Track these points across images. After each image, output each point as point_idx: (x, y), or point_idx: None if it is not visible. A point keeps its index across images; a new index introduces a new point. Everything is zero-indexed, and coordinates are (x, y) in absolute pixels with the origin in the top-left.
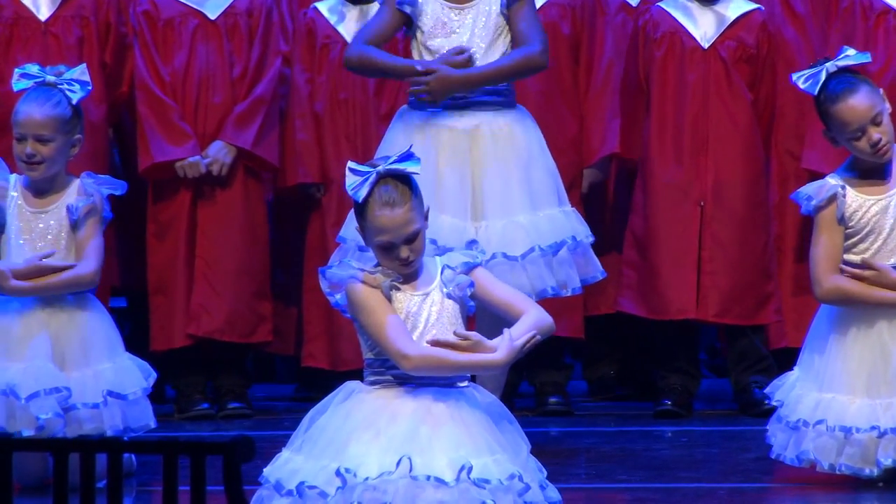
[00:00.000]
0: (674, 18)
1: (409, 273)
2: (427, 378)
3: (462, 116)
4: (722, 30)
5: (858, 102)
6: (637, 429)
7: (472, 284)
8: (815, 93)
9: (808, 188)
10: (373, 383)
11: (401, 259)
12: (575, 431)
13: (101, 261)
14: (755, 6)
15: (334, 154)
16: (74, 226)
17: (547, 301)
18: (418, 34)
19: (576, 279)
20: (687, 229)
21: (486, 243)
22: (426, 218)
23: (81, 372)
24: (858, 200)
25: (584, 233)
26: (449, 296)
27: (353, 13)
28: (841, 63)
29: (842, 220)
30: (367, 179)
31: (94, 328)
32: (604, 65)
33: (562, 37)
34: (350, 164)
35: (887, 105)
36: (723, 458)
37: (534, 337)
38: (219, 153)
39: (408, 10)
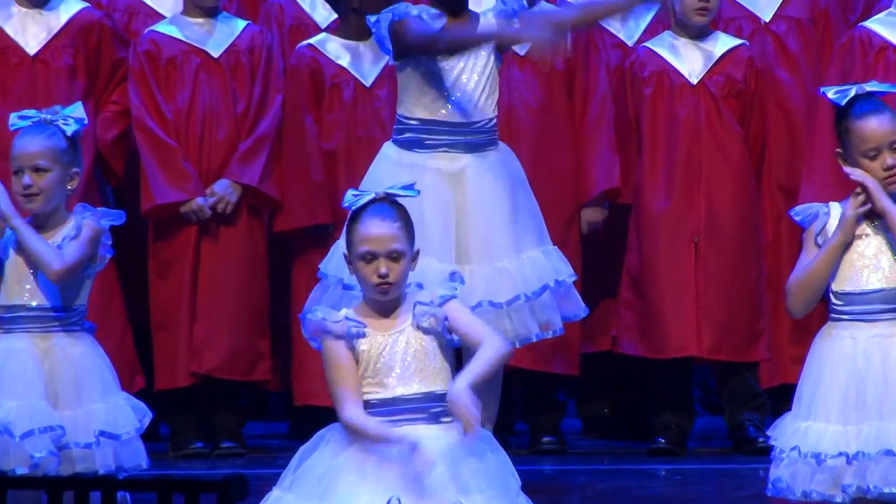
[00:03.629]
0: (661, 57)
1: (384, 301)
2: (411, 416)
3: (446, 159)
4: (709, 66)
5: (882, 123)
6: (631, 467)
7: (446, 318)
8: (842, 104)
9: (800, 206)
10: None
11: (380, 274)
12: (569, 469)
13: (71, 267)
14: (741, 42)
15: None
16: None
17: (541, 339)
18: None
19: (558, 320)
20: (683, 266)
21: (471, 289)
22: (414, 259)
23: (74, 411)
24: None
25: (566, 272)
26: (425, 330)
27: (359, 49)
28: (870, 88)
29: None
30: (365, 195)
31: (87, 367)
32: (598, 99)
33: (556, 73)
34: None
35: None
36: (717, 496)
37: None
38: (225, 191)
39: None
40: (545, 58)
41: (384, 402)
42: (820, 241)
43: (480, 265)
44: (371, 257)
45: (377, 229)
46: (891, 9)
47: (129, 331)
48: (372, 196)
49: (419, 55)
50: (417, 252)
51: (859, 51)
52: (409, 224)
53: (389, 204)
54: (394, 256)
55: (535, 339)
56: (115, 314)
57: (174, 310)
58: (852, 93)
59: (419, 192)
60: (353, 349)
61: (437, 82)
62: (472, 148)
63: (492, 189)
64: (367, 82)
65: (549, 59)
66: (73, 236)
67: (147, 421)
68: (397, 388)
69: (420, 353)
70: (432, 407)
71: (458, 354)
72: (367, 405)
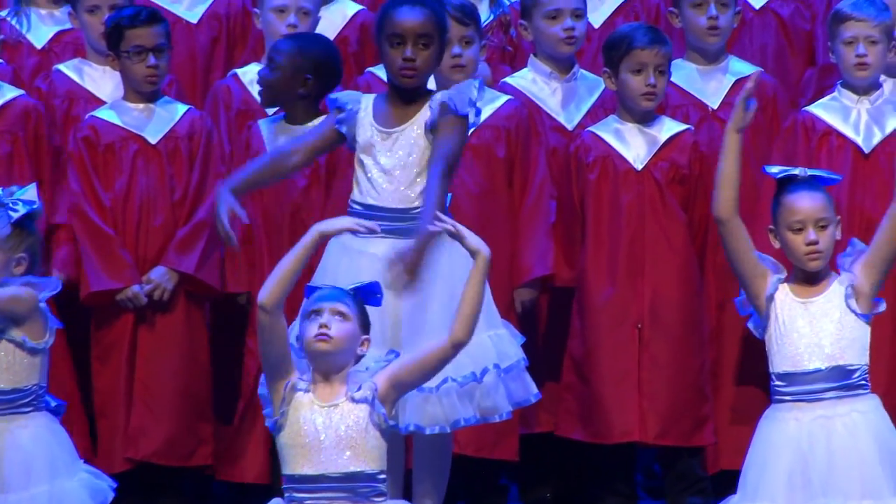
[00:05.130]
0: (605, 142)
1: (320, 349)
2: (337, 494)
3: (383, 245)
4: (654, 151)
5: (814, 200)
6: None
7: (376, 388)
8: (780, 178)
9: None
10: (289, 500)
11: (321, 324)
12: None
13: None
14: (685, 127)
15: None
16: None
17: (483, 424)
18: (356, 146)
19: (505, 405)
20: (626, 352)
21: None
22: (363, 344)
23: (19, 495)
24: (787, 298)
25: (515, 355)
26: (359, 400)
27: (296, 131)
28: (812, 172)
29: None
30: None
31: (34, 450)
32: (536, 185)
33: (496, 160)
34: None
35: (838, 228)
36: None
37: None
38: (161, 278)
39: (343, 129)
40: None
41: (310, 479)
42: (752, 322)
43: (409, 349)
44: (315, 312)
45: (326, 292)
46: (834, 93)
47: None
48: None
49: None
50: (367, 340)
51: (802, 135)
52: (363, 310)
53: (347, 290)
54: (338, 314)
55: (465, 424)
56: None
57: (113, 396)
58: (795, 172)
59: (379, 302)
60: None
61: (372, 165)
62: (410, 234)
63: (429, 271)
64: None
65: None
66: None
67: (109, 499)
68: (326, 464)
69: (351, 428)
70: (360, 487)
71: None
72: (292, 479)
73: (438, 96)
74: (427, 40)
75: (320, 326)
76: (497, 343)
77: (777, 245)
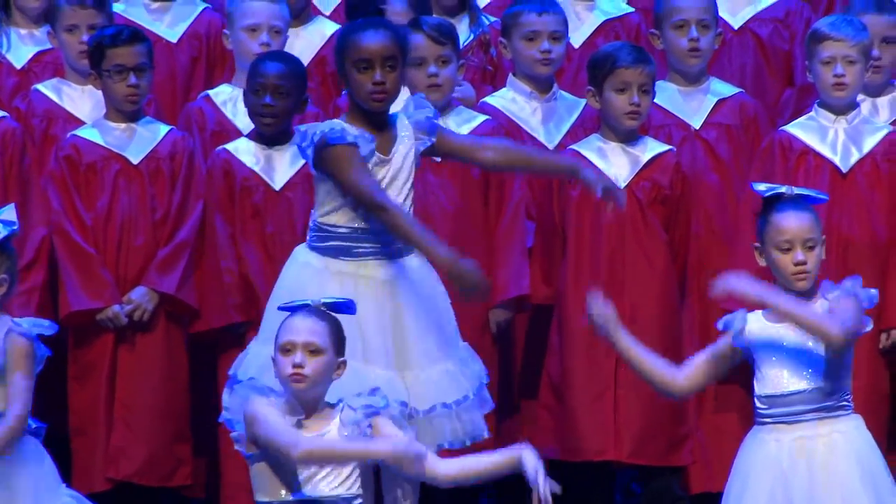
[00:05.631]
0: (587, 160)
1: (298, 388)
2: None
3: (377, 267)
4: (636, 171)
5: (801, 220)
6: None
7: (370, 426)
8: (768, 196)
9: (724, 319)
10: None
11: (294, 363)
12: None
13: (29, 404)
14: (668, 147)
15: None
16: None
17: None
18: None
19: (484, 424)
20: (603, 371)
21: (419, 394)
22: (339, 368)
23: None
24: (762, 326)
25: (483, 370)
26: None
27: (273, 154)
28: (799, 191)
29: (741, 346)
30: (297, 302)
31: (18, 474)
32: (512, 205)
33: (471, 179)
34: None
35: (823, 248)
36: None
37: None
38: (142, 299)
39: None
40: None
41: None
42: (735, 342)
43: (424, 369)
44: (289, 348)
45: (299, 322)
46: (811, 113)
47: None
48: (307, 303)
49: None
50: (343, 363)
51: (780, 155)
52: (337, 332)
53: (321, 309)
54: (311, 349)
55: (482, 438)
56: None
57: (92, 415)
58: (782, 190)
59: (354, 312)
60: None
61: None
62: (400, 255)
63: (423, 294)
64: (277, 186)
65: None
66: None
67: None
68: (322, 487)
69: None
70: None
71: None
72: None
73: (407, 121)
74: (393, 62)
75: (294, 366)
76: (473, 360)
77: (763, 263)
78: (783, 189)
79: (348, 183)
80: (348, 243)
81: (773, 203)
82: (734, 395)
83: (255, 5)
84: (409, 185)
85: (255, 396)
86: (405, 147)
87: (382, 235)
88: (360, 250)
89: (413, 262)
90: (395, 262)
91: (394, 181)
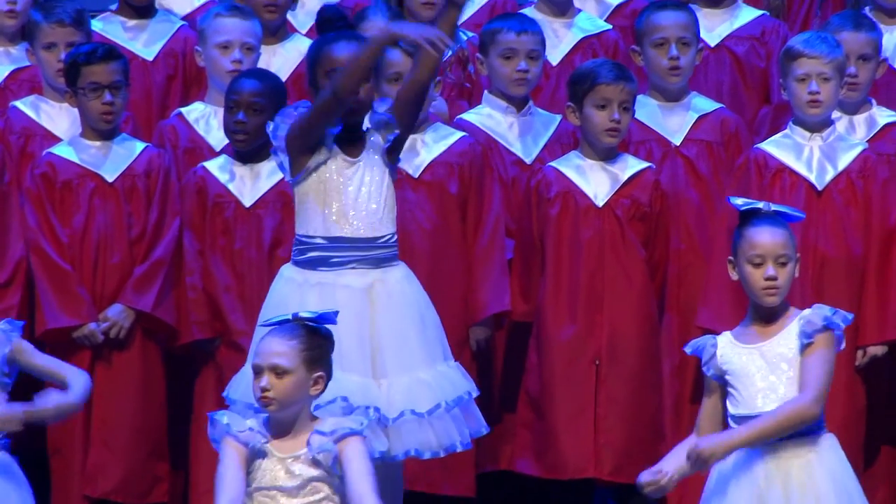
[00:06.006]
0: (567, 178)
1: (269, 411)
2: None
3: (356, 275)
4: (616, 188)
5: (775, 235)
6: None
7: (336, 457)
8: (744, 211)
9: (692, 343)
10: None
11: (261, 387)
12: None
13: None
14: (647, 165)
15: (230, 306)
16: None
17: (440, 458)
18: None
19: (466, 434)
20: (582, 388)
21: (390, 402)
22: (316, 383)
23: None
24: (732, 349)
25: (472, 388)
26: (317, 463)
27: (245, 171)
28: (777, 208)
29: (715, 377)
30: (280, 317)
31: None
32: (491, 222)
33: (449, 196)
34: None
35: (797, 266)
36: None
37: None
38: (118, 316)
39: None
40: (433, 50)
41: None
42: (707, 372)
43: (399, 377)
44: (257, 371)
45: (265, 345)
46: (786, 130)
47: None
48: (286, 318)
49: (316, 134)
50: (320, 377)
51: (755, 172)
52: (311, 348)
53: (297, 325)
54: (277, 371)
55: (460, 448)
56: None
57: (69, 434)
58: (759, 205)
59: (335, 322)
60: (249, 459)
61: (336, 197)
62: (378, 263)
63: (402, 302)
64: (247, 203)
65: (437, 50)
66: None
67: None
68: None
69: (307, 482)
70: None
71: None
72: None
73: (371, 126)
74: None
75: (262, 390)
76: (459, 374)
77: (735, 277)
78: (760, 204)
79: (310, 113)
80: (326, 253)
81: (749, 218)
82: None
83: (227, 22)
84: (384, 187)
85: (224, 440)
86: (374, 150)
87: (362, 243)
88: (339, 259)
89: (397, 271)
90: (373, 271)
91: (363, 186)
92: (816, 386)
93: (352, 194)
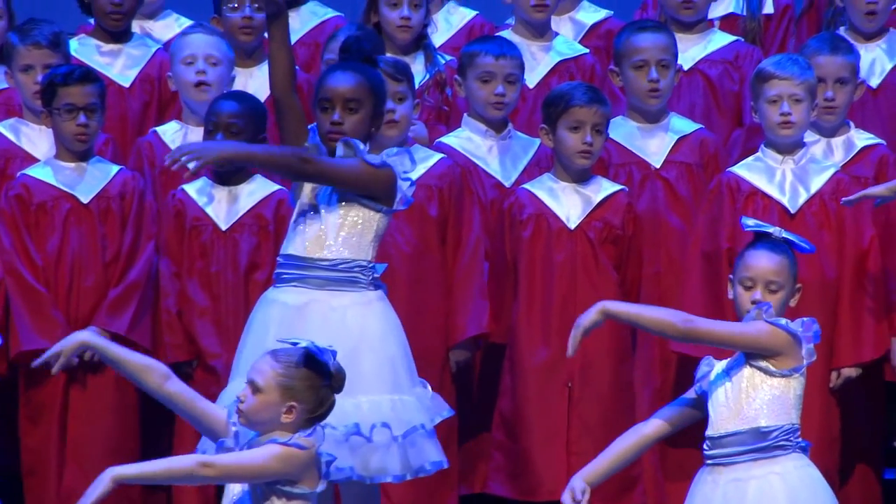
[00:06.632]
0: (540, 200)
1: (238, 421)
2: None
3: (294, 293)
4: (588, 211)
5: (770, 261)
6: None
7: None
8: (755, 234)
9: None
10: None
11: (238, 396)
12: None
13: None
14: (620, 187)
15: (203, 330)
16: None
17: (421, 480)
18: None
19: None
20: (555, 410)
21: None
22: (289, 412)
23: None
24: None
25: (427, 421)
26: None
27: (224, 193)
28: (787, 236)
29: (699, 391)
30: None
31: None
32: (470, 244)
33: (429, 218)
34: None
35: (795, 296)
36: None
37: None
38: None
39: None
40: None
41: None
42: (697, 389)
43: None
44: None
45: (258, 360)
46: (758, 153)
47: None
48: (295, 341)
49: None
50: (293, 407)
51: (728, 196)
52: (293, 378)
53: (299, 352)
54: (253, 387)
55: (430, 472)
56: None
57: (44, 455)
58: (769, 230)
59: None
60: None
61: (297, 216)
62: (322, 285)
63: (337, 328)
64: (224, 226)
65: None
66: None
67: None
68: None
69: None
70: None
71: None
72: None
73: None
74: (356, 105)
75: (238, 399)
76: (432, 399)
77: (731, 296)
78: (771, 229)
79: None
80: (280, 270)
81: (755, 240)
82: (693, 433)
83: (190, 38)
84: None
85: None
86: None
87: (302, 262)
88: (286, 276)
89: (349, 296)
90: (314, 291)
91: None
92: (699, 318)
93: (308, 215)
